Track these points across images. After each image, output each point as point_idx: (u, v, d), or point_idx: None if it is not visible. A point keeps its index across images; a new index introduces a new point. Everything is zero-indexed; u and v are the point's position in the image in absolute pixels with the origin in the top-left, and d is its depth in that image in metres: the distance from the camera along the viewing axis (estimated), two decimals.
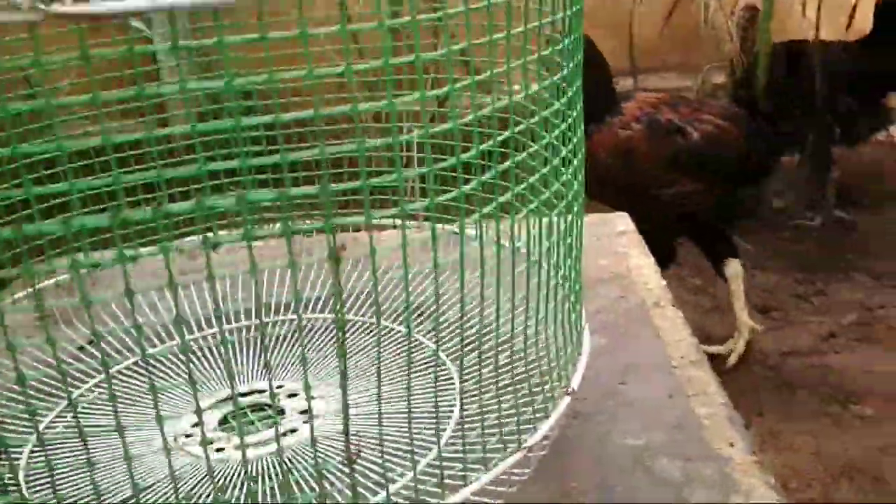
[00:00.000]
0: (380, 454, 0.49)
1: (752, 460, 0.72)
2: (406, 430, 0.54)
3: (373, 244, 0.42)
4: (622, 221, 1.17)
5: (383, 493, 0.54)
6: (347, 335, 0.91)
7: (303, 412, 0.81)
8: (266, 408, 0.83)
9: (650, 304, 0.97)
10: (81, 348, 0.91)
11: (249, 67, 0.76)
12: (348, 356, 0.88)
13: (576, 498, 0.69)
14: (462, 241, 0.47)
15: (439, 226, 0.49)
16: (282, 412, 0.82)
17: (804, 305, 1.66)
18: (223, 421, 0.80)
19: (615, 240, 1.11)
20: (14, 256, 0.87)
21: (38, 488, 0.70)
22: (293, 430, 0.78)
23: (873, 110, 1.88)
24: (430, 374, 0.83)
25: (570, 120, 0.61)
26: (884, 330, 1.54)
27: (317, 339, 0.93)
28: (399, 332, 0.90)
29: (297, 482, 0.70)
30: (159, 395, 0.83)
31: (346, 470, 0.62)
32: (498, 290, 0.52)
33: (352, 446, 0.46)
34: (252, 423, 0.80)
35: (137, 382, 0.85)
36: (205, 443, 0.46)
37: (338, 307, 0.38)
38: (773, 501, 0.68)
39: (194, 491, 0.70)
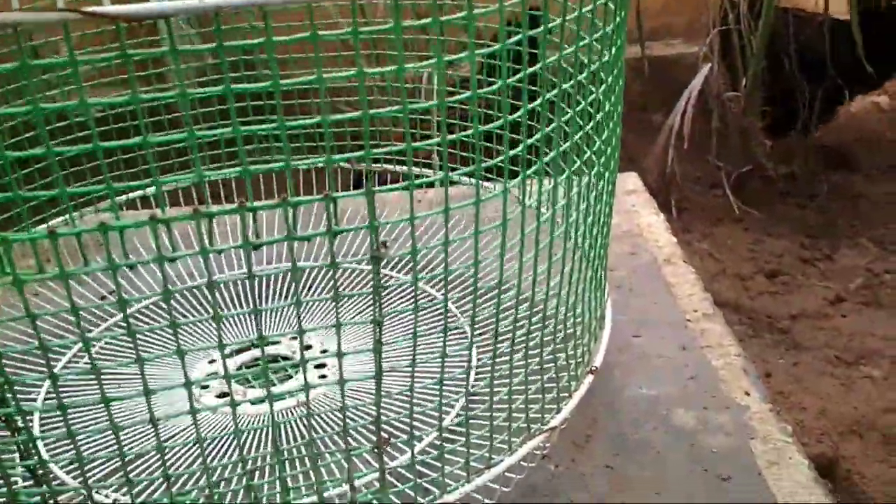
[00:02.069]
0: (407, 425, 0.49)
1: (768, 409, 0.73)
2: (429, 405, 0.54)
3: (413, 209, 0.41)
4: (631, 180, 1.16)
5: (407, 455, 0.54)
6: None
7: (318, 366, 0.81)
8: (280, 360, 0.83)
9: (661, 261, 0.97)
10: (102, 298, 0.91)
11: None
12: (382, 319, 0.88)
13: (591, 449, 0.69)
14: (504, 207, 0.46)
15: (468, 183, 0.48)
16: (296, 366, 0.82)
17: (811, 270, 1.66)
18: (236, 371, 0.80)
19: (625, 198, 1.11)
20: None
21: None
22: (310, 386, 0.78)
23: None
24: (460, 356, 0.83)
25: (614, 73, 0.59)
26: (890, 294, 1.54)
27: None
28: (432, 296, 0.90)
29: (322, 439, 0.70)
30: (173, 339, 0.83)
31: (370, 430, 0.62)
32: (535, 268, 0.51)
33: (382, 434, 0.45)
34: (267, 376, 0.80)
35: (154, 333, 0.85)
36: (228, 377, 0.46)
37: (377, 308, 0.37)
38: (791, 446, 0.68)
39: (213, 447, 0.70)
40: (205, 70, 1.04)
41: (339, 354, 0.42)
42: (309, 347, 0.85)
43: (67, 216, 0.93)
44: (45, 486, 0.41)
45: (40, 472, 0.42)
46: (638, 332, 0.84)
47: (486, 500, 0.58)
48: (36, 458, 0.42)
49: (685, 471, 0.66)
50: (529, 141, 0.46)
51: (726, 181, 1.87)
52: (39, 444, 0.69)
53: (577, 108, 0.53)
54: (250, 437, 0.71)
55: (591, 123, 0.57)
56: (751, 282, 1.62)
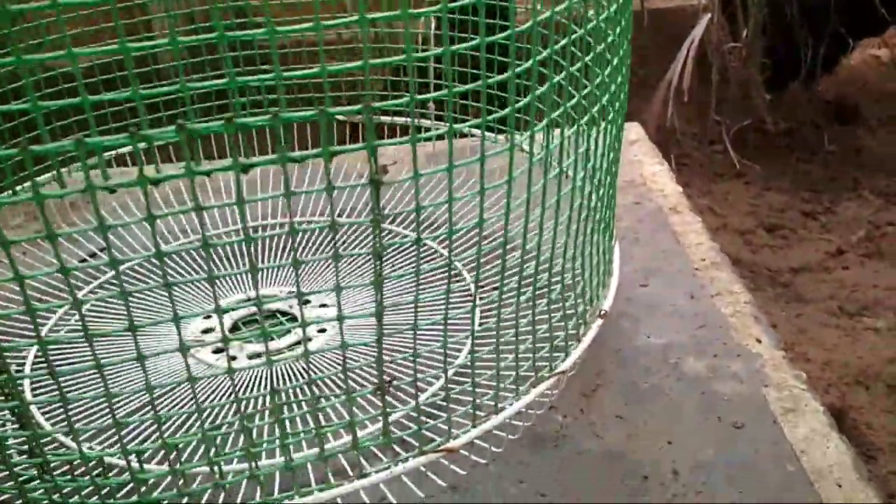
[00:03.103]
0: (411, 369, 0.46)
1: (781, 356, 0.71)
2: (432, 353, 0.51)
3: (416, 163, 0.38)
4: (634, 130, 1.13)
5: (412, 404, 0.52)
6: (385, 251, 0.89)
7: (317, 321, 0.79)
8: (278, 315, 0.80)
9: (667, 210, 0.95)
10: (93, 255, 0.89)
11: None
12: (386, 270, 0.86)
13: (600, 399, 0.67)
14: (511, 156, 0.43)
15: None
16: (294, 320, 0.80)
17: (812, 223, 1.64)
18: (233, 328, 0.78)
19: (628, 148, 1.08)
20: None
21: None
22: (308, 339, 0.76)
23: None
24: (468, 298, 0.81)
25: (622, 26, 0.57)
26: (893, 245, 1.53)
27: (333, 247, 0.91)
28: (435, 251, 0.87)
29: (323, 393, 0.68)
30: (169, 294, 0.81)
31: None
32: (543, 210, 0.48)
33: (385, 376, 0.43)
34: (268, 334, 0.78)
35: (148, 286, 0.83)
36: (226, 340, 0.43)
37: (376, 234, 0.35)
38: (805, 392, 0.66)
39: (209, 399, 0.68)
40: (192, 17, 1.00)
41: (338, 289, 0.40)
42: (308, 302, 0.82)
43: (54, 172, 0.90)
44: (29, 430, 0.39)
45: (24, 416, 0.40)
46: (645, 282, 0.82)
47: (494, 448, 0.56)
48: (18, 400, 0.40)
49: (698, 419, 0.65)
50: (543, 89, 0.43)
51: (726, 135, 1.84)
52: (26, 382, 0.67)
53: (588, 57, 0.51)
54: (246, 388, 0.69)
55: (603, 75, 0.54)
56: (752, 236, 1.60)
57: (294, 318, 0.80)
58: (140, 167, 0.33)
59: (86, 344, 0.38)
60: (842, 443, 0.62)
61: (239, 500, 0.46)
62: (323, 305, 0.81)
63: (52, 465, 0.42)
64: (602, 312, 0.62)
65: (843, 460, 0.60)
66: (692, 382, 0.68)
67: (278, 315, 0.81)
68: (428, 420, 0.50)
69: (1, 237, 0.33)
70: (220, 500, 0.53)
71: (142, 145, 0.34)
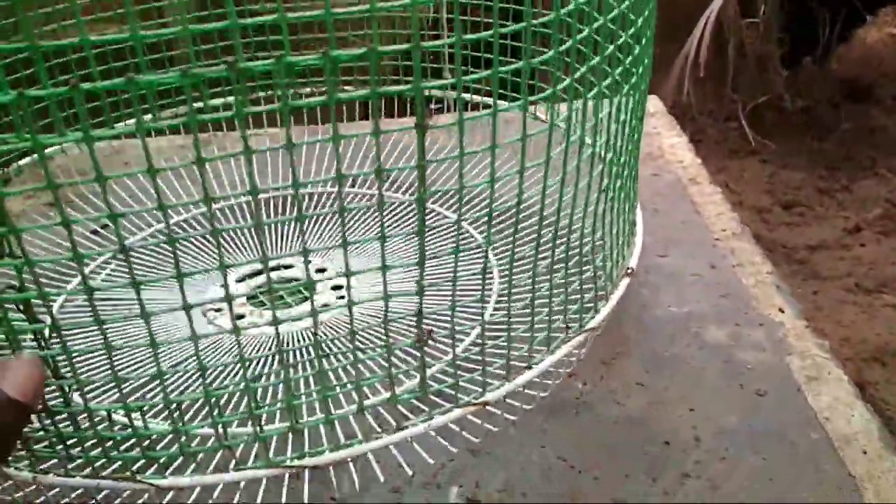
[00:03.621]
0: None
1: (803, 325, 0.70)
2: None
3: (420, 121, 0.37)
4: (652, 103, 1.12)
5: (448, 358, 0.51)
6: (398, 217, 0.88)
7: (335, 288, 0.79)
8: (293, 281, 0.80)
9: (686, 181, 0.94)
10: (95, 232, 0.88)
11: None
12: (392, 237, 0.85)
13: (621, 366, 0.66)
14: (525, 121, 0.42)
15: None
16: (311, 285, 0.79)
17: (829, 201, 1.62)
18: (251, 297, 0.78)
19: (646, 121, 1.07)
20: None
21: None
22: (326, 306, 0.76)
23: None
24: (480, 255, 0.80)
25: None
26: None
27: (347, 216, 0.90)
28: (447, 218, 0.87)
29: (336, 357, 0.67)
30: (183, 263, 0.81)
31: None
32: (575, 175, 0.47)
33: (424, 326, 0.42)
34: (281, 297, 0.78)
35: (156, 260, 0.82)
36: (228, 300, 0.43)
37: (421, 180, 0.34)
38: (829, 361, 0.65)
39: (227, 366, 0.68)
40: (205, 4, 0.98)
41: (382, 238, 0.39)
42: (324, 270, 0.82)
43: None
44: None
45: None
46: (665, 252, 0.81)
47: (525, 406, 0.55)
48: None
49: (720, 386, 0.64)
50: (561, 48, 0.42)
51: (742, 112, 1.82)
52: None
53: (610, 15, 0.49)
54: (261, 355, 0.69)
55: (622, 40, 0.53)
56: (768, 214, 1.59)
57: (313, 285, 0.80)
58: (190, 105, 0.32)
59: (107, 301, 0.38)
60: (866, 411, 0.61)
61: (272, 454, 0.45)
62: (340, 274, 0.80)
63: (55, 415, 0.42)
64: (629, 271, 0.62)
65: (868, 428, 0.59)
66: (714, 351, 0.68)
67: (293, 282, 0.80)
68: (463, 374, 0.49)
69: (50, 181, 0.32)
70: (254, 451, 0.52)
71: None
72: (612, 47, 0.45)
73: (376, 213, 0.89)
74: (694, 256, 0.80)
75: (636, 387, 0.65)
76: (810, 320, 0.70)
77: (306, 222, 0.88)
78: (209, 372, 0.66)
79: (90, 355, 0.67)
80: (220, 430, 0.43)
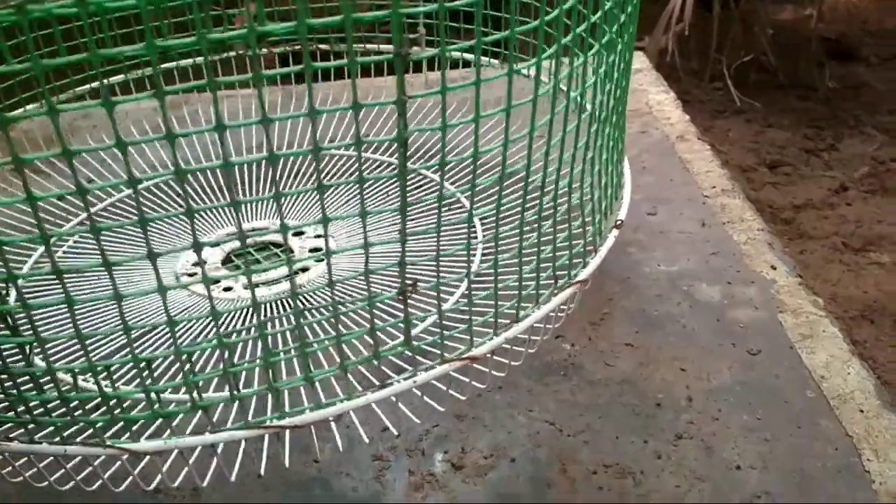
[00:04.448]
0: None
1: (797, 282, 0.68)
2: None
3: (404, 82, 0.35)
4: (638, 59, 1.09)
5: (435, 316, 0.49)
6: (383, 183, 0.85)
7: (313, 250, 0.76)
8: (272, 247, 0.77)
9: (674, 139, 0.91)
10: (60, 198, 0.85)
11: None
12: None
13: (609, 326, 0.64)
14: (510, 83, 0.39)
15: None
16: (289, 251, 0.77)
17: (814, 160, 1.60)
18: (227, 260, 0.75)
19: (632, 77, 1.04)
20: None
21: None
22: (304, 269, 0.73)
23: None
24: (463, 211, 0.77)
25: None
26: None
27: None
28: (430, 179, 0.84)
29: (319, 322, 0.65)
30: (152, 229, 0.77)
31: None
32: (550, 128, 0.45)
33: (406, 279, 0.40)
34: (258, 262, 0.75)
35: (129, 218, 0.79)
36: (207, 281, 0.40)
37: (402, 117, 0.31)
38: (823, 318, 0.64)
39: (203, 329, 0.65)
40: None
41: (361, 180, 0.36)
42: (302, 233, 0.79)
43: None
44: None
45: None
46: (653, 210, 0.79)
47: (514, 363, 0.53)
48: None
49: (712, 345, 0.62)
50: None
51: (727, 72, 1.80)
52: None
53: None
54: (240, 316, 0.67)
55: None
56: (753, 173, 1.57)
57: (289, 250, 0.77)
58: (209, 74, 0.29)
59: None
60: (862, 369, 0.59)
61: (250, 417, 0.43)
62: (318, 236, 0.78)
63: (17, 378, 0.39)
64: (618, 223, 0.59)
65: (864, 386, 0.58)
66: (705, 309, 0.66)
67: (272, 247, 0.77)
68: (452, 326, 0.47)
69: (14, 156, 0.29)
70: (232, 415, 0.50)
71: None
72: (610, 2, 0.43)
73: (356, 175, 0.86)
74: (683, 214, 0.78)
75: (625, 347, 0.63)
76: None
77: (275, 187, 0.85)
78: (181, 330, 0.63)
79: (51, 311, 0.64)
80: (195, 393, 0.41)
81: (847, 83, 1.90)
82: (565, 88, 0.45)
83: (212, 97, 0.30)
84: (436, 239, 0.41)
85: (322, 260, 0.74)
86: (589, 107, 0.49)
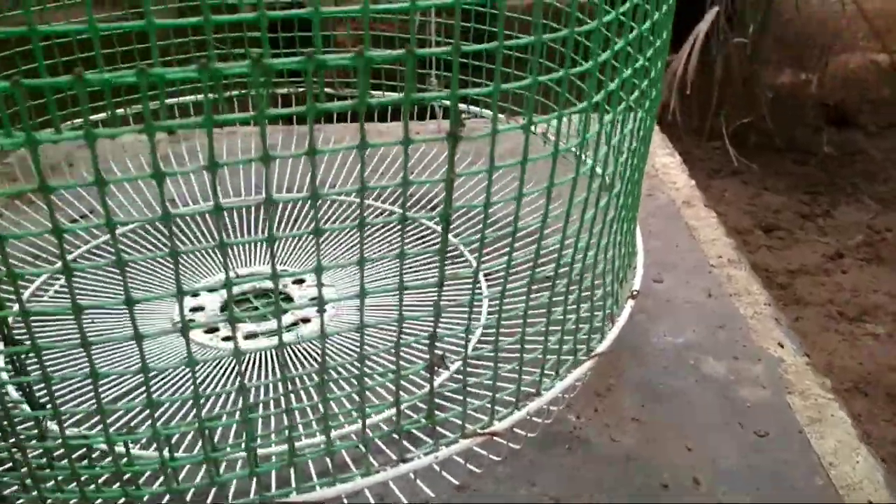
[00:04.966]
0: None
1: (804, 362, 0.67)
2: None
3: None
4: None
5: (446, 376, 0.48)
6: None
7: (313, 299, 0.75)
8: (271, 294, 0.76)
9: (680, 203, 0.91)
10: (73, 221, 0.83)
11: None
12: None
13: (616, 399, 0.63)
14: (527, 140, 0.39)
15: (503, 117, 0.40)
16: (289, 300, 0.75)
17: (810, 225, 1.61)
18: (225, 308, 0.74)
19: None
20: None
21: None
22: (305, 321, 0.72)
23: None
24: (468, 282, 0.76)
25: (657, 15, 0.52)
26: (893, 251, 1.51)
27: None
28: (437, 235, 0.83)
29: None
30: (150, 273, 0.76)
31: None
32: (571, 199, 0.44)
33: (436, 352, 0.39)
34: (256, 309, 0.73)
35: (150, 255, 0.78)
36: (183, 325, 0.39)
37: (448, 193, 0.31)
38: (832, 402, 0.63)
39: (205, 376, 0.63)
40: None
41: (403, 255, 0.35)
42: (302, 281, 0.78)
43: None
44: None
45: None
46: (659, 277, 0.78)
47: (530, 434, 0.52)
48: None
49: (719, 424, 0.61)
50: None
51: (726, 132, 1.81)
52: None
53: (632, 36, 0.46)
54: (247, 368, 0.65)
55: (639, 63, 0.49)
56: (749, 236, 1.57)
57: (289, 299, 0.75)
58: (208, 109, 0.28)
59: (69, 318, 0.33)
60: (871, 456, 0.58)
61: (274, 488, 0.41)
62: (321, 285, 0.76)
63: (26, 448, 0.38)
64: (634, 293, 0.59)
65: (873, 476, 0.56)
66: (712, 385, 0.65)
67: (271, 294, 0.76)
68: (472, 401, 0.46)
69: None
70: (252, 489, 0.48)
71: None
72: (642, 60, 0.42)
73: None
74: (689, 282, 0.77)
75: (632, 422, 0.61)
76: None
77: (279, 239, 0.84)
78: (181, 384, 0.62)
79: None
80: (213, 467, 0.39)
81: (844, 150, 1.91)
82: (592, 150, 0.44)
83: (215, 132, 0.29)
84: (465, 315, 0.40)
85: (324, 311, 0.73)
86: (615, 170, 0.48)
